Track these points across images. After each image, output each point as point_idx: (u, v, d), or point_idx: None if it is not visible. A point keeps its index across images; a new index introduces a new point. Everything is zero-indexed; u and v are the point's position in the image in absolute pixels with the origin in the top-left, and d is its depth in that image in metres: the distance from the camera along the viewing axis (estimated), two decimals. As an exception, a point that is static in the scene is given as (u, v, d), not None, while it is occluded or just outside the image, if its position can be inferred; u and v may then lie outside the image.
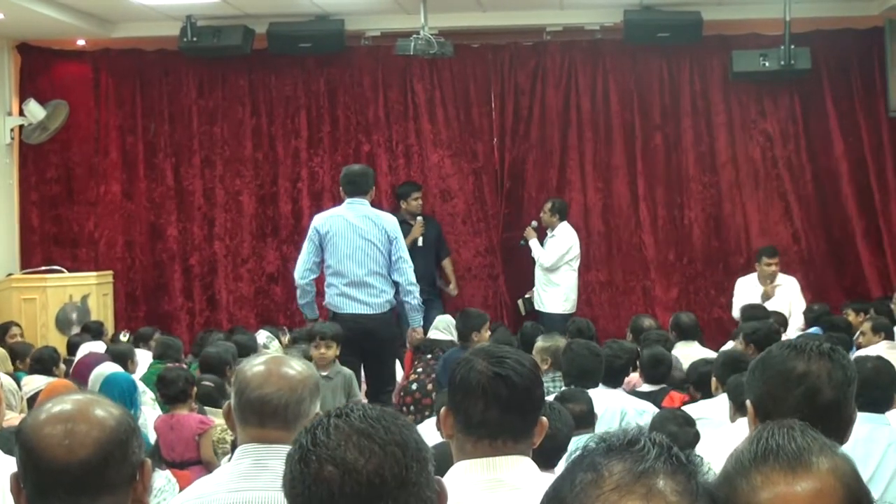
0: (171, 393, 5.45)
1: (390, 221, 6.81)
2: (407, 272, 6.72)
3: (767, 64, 9.43)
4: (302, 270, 6.82)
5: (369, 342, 6.63)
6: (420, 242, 9.40)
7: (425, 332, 7.41)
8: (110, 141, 10.43)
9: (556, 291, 9.25)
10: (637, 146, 10.06)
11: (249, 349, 7.06)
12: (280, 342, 8.31)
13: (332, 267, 6.69)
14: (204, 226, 10.39)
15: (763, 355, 2.47)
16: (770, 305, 8.57)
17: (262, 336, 8.08)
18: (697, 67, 10.01)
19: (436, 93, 10.21)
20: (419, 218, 9.43)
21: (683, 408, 5.09)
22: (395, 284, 6.75)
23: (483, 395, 2.31)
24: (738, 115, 9.95)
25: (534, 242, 9.40)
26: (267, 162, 10.38)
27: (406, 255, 6.78)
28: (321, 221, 6.77)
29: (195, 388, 5.52)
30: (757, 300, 8.69)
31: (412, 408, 6.85)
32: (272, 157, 10.39)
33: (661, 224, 10.05)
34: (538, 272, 9.35)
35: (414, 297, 6.80)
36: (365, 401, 6.24)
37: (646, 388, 5.78)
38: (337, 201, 10.16)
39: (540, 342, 6.10)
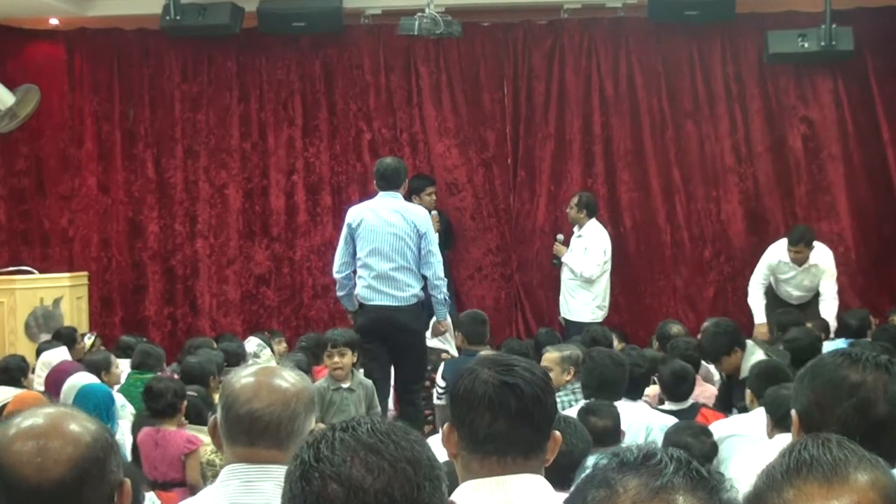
0: (158, 406, 5.45)
1: (421, 216, 7.21)
2: (435, 266, 7.14)
3: (806, 45, 9.43)
4: (339, 264, 7.32)
5: (395, 333, 7.02)
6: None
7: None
8: (85, 129, 10.47)
9: (586, 297, 9.16)
10: (667, 134, 10.06)
11: (238, 358, 7.09)
12: (273, 350, 8.33)
13: (362, 259, 7.15)
14: (186, 222, 10.43)
15: (814, 363, 2.48)
16: (797, 280, 8.68)
17: (252, 344, 8.10)
18: (730, 49, 10.02)
19: (442, 76, 10.23)
20: (434, 213, 9.39)
21: (715, 423, 5.10)
22: (424, 279, 7.14)
23: (490, 406, 2.30)
24: (775, 101, 9.95)
25: (567, 257, 9.23)
26: (256, 152, 10.42)
27: (435, 249, 7.19)
28: (352, 215, 7.26)
29: (184, 403, 5.53)
30: (784, 268, 8.73)
31: None
32: (262, 147, 10.42)
33: (695, 219, 10.06)
34: (566, 274, 9.30)
35: (441, 291, 7.22)
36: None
37: (670, 406, 5.77)
38: (336, 195, 10.32)
39: (553, 352, 6.09)
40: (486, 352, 7.13)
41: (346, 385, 6.13)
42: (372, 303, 7.11)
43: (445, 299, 7.34)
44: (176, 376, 6.05)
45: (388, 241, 7.07)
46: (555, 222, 10.07)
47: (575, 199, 9.30)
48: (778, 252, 8.79)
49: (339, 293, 7.46)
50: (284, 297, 10.37)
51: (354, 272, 7.22)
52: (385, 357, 7.00)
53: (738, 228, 10.01)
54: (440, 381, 6.77)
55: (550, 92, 10.17)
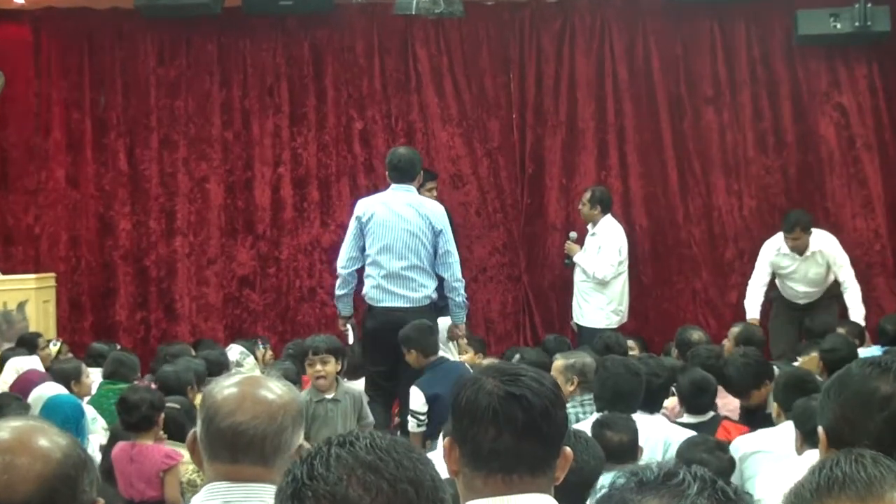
0: (132, 419, 5.46)
1: (437, 211, 7.29)
2: (453, 267, 7.23)
3: (839, 25, 9.44)
4: (345, 259, 7.35)
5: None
6: None
7: None
8: (53, 117, 10.47)
9: (600, 301, 9.15)
10: (685, 123, 10.08)
11: (219, 367, 7.09)
12: (257, 359, 8.33)
13: (371, 257, 7.23)
14: (162, 219, 10.43)
15: (840, 374, 2.48)
16: (801, 271, 8.77)
17: (235, 352, 8.11)
18: (755, 29, 10.03)
19: (443, 59, 10.24)
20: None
21: (739, 439, 5.11)
22: (439, 280, 7.22)
23: (494, 419, 2.30)
24: (805, 86, 9.96)
25: (579, 257, 9.23)
26: (239, 143, 10.43)
27: (453, 248, 7.28)
28: (362, 208, 7.32)
29: (162, 415, 5.54)
30: (785, 260, 8.79)
31: None
32: (246, 136, 10.43)
33: (717, 215, 10.07)
34: (578, 276, 9.31)
35: (459, 293, 7.31)
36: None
37: (689, 419, 5.78)
38: (324, 189, 10.32)
39: (560, 360, 6.10)
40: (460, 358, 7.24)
41: (330, 396, 6.11)
42: (381, 304, 7.19)
43: (465, 302, 7.44)
44: (154, 386, 6.05)
45: (400, 238, 7.15)
46: (567, 218, 10.09)
47: (587, 195, 9.28)
48: (775, 244, 8.87)
49: (339, 292, 7.45)
50: (270, 300, 10.38)
51: (360, 270, 7.29)
52: (393, 365, 6.95)
53: (764, 226, 10.00)
54: (418, 405, 6.49)
55: (560, 77, 10.18)
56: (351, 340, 7.71)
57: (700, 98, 10.08)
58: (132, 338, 10.30)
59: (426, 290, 7.18)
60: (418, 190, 9.29)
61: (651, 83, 10.11)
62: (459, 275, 7.31)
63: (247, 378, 2.61)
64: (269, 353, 9.02)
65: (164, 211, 10.44)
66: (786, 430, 4.59)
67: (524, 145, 10.23)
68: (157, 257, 10.41)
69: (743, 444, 4.89)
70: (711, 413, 5.83)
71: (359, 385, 7.43)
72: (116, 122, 10.46)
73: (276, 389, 2.55)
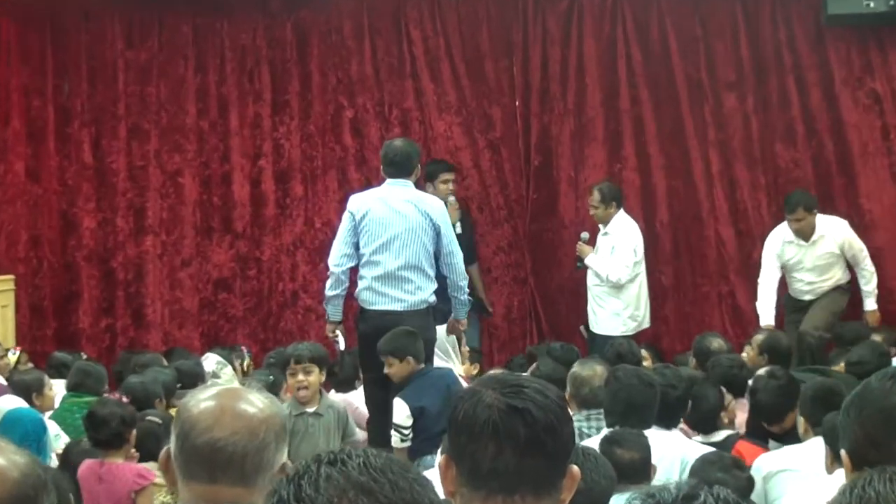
0: (102, 436, 5.45)
1: (436, 207, 7.41)
2: (457, 266, 7.39)
3: (872, 4, 9.45)
4: (338, 256, 7.42)
5: None
6: (458, 229, 9.37)
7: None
8: (12, 105, 10.46)
9: (615, 306, 9.18)
10: (706, 110, 10.08)
11: (194, 378, 7.09)
12: (235, 369, 8.34)
13: (366, 256, 7.33)
14: (130, 217, 10.42)
15: (859, 390, 2.47)
16: (809, 258, 8.96)
17: (211, 362, 8.12)
18: (781, 9, 10.02)
19: (439, 41, 10.25)
20: (451, 198, 9.38)
21: (764, 457, 5.12)
22: (438, 281, 7.35)
23: (494, 435, 2.29)
24: (836, 71, 9.95)
25: (591, 259, 9.25)
26: (216, 133, 10.44)
27: (456, 247, 7.44)
28: (356, 204, 7.44)
29: (133, 431, 5.53)
30: (790, 249, 8.94)
31: None
32: (223, 126, 10.44)
33: (743, 212, 10.06)
34: (591, 279, 9.32)
35: (464, 292, 7.48)
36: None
37: (701, 439, 5.78)
38: (309, 183, 10.32)
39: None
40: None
41: (311, 409, 6.11)
42: (374, 307, 7.27)
43: (468, 300, 7.60)
44: (125, 399, 6.05)
45: (398, 237, 7.25)
46: (576, 214, 10.11)
47: (596, 196, 9.29)
48: (779, 234, 9.15)
49: (331, 292, 7.48)
50: (250, 304, 10.38)
51: (353, 270, 7.39)
52: (381, 376, 6.93)
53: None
54: (401, 419, 6.52)
55: (567, 60, 10.19)
56: (342, 347, 7.76)
57: (722, 83, 10.07)
58: (97, 346, 10.30)
59: (423, 292, 7.25)
60: (433, 182, 9.37)
61: (669, 67, 10.11)
62: (464, 272, 7.47)
63: (225, 390, 2.61)
64: (249, 362, 9.01)
65: (133, 207, 10.44)
66: (813, 448, 4.60)
67: (529, 136, 10.23)
68: (124, 258, 10.41)
69: (767, 463, 4.90)
70: (725, 432, 5.82)
71: (353, 398, 7.44)
72: (81, 111, 10.47)
73: (257, 402, 2.54)
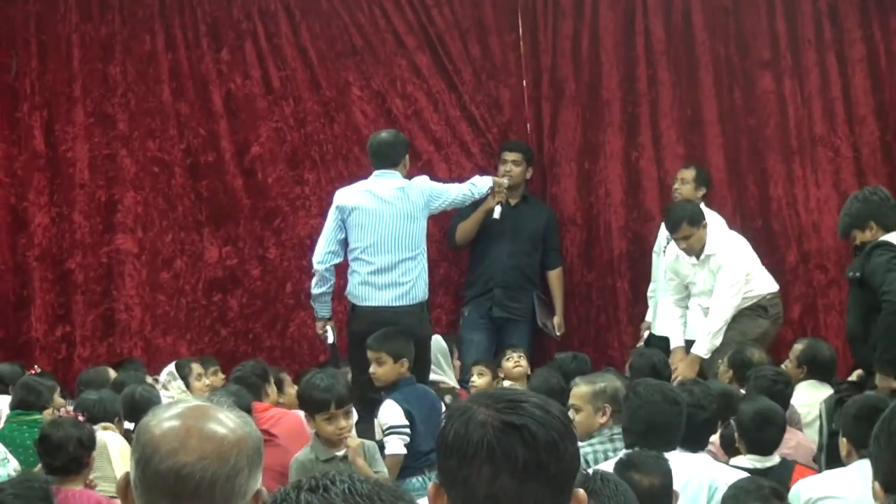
0: (58, 462, 5.43)
1: (418, 185, 8.09)
2: (458, 189, 8.42)
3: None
4: (323, 253, 8.08)
5: None
6: (496, 214, 9.44)
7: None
8: (-48, 86, 10.47)
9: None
10: (735, 93, 10.06)
11: (148, 399, 7.01)
12: (188, 385, 8.22)
13: (357, 251, 7.96)
14: (92, 211, 10.38)
15: (888, 415, 2.47)
16: (701, 282, 8.61)
17: (164, 373, 8.13)
18: (822, -25, 10.02)
19: (436, 14, 10.23)
20: (504, 180, 9.40)
21: (802, 482, 5.10)
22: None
23: (489, 457, 2.28)
24: (882, 46, 9.94)
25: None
26: (197, 116, 10.42)
27: (447, 194, 8.28)
28: (343, 198, 8.06)
29: (92, 454, 5.51)
30: (684, 266, 8.68)
31: None
32: (206, 107, 10.41)
33: (775, 209, 10.03)
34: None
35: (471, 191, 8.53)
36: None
37: (750, 460, 5.75)
38: (312, 170, 10.27)
39: (584, 384, 6.08)
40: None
41: (341, 453, 5.95)
42: (366, 303, 7.88)
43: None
44: (81, 417, 6.01)
45: (392, 229, 7.90)
46: (588, 210, 10.12)
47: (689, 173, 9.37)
48: (674, 248, 8.82)
49: (316, 290, 8.19)
50: (255, 308, 10.35)
51: (340, 267, 7.86)
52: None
53: (834, 221, 9.96)
54: (397, 419, 6.61)
55: (580, 36, 10.17)
56: (331, 340, 8.30)
57: (753, 61, 10.04)
58: (51, 357, 10.30)
59: (417, 289, 7.88)
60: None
61: (692, 44, 10.08)
62: (464, 187, 8.47)
63: (191, 408, 2.58)
64: (219, 376, 8.92)
65: (95, 201, 10.40)
66: (859, 472, 4.58)
67: (540, 119, 10.25)
68: (83, 259, 10.37)
69: (808, 488, 4.89)
70: (778, 456, 5.79)
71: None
72: (31, 92, 10.46)
73: (227, 422, 2.53)
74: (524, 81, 10.28)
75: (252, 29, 10.38)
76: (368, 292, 7.90)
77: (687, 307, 8.84)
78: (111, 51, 10.41)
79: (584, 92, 10.19)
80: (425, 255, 8.15)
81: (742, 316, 8.59)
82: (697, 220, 8.52)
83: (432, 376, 7.92)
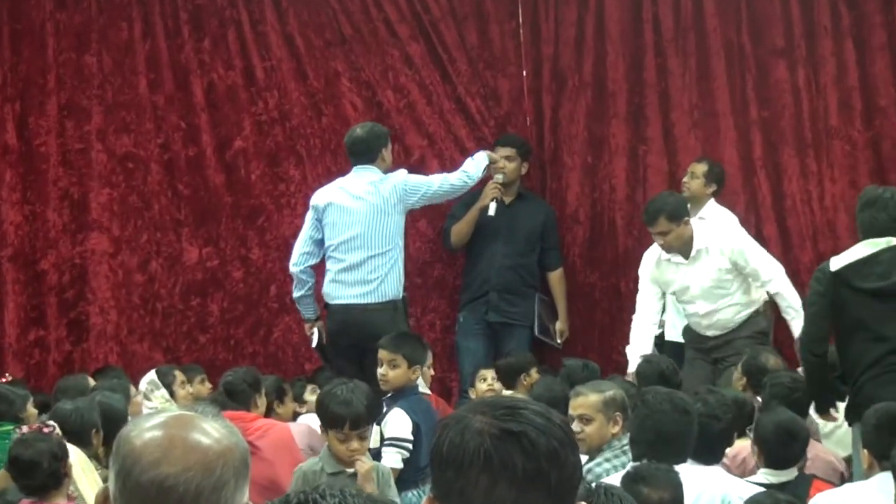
0: (36, 482, 5.41)
1: (392, 180, 8.48)
2: (441, 191, 8.75)
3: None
4: (297, 255, 8.60)
5: (363, 341, 7.83)
6: (491, 211, 9.47)
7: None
8: (-81, 77, 10.47)
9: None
10: (748, 83, 10.06)
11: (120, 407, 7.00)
12: (172, 394, 8.23)
13: (330, 249, 8.44)
14: (66, 209, 10.37)
15: None
16: (694, 283, 8.47)
17: (143, 383, 8.12)
18: (840, -42, 10.03)
19: (431, 1, 10.24)
20: (498, 177, 9.51)
21: (820, 496, 5.10)
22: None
23: (486, 466, 2.28)
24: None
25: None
26: (176, 109, 10.40)
27: (427, 186, 8.64)
28: (318, 197, 8.55)
29: (69, 462, 5.50)
30: (669, 271, 8.56)
31: None
32: (186, 100, 10.41)
33: (790, 205, 10.02)
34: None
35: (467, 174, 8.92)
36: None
37: (766, 475, 5.75)
38: (298, 166, 10.27)
39: (590, 394, 6.06)
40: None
41: (351, 469, 5.89)
42: (336, 301, 8.37)
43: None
44: (45, 429, 5.97)
45: (363, 225, 8.32)
46: (591, 207, 10.11)
47: (701, 167, 9.38)
48: (655, 251, 8.67)
49: (296, 293, 8.71)
50: (236, 312, 10.34)
51: (314, 267, 8.24)
52: (357, 372, 7.35)
53: (850, 220, 9.95)
54: (404, 431, 6.61)
55: (584, 23, 10.17)
56: (314, 343, 8.63)
57: (767, 49, 10.04)
58: (23, 363, 10.30)
59: (387, 286, 8.32)
60: None
61: (703, 31, 10.08)
62: (453, 176, 8.85)
63: (174, 417, 2.59)
64: (206, 385, 8.93)
65: (69, 198, 10.39)
66: (880, 485, 4.59)
67: (540, 113, 10.23)
68: (57, 259, 10.36)
69: (825, 503, 4.89)
70: (796, 470, 5.79)
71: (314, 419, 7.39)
72: (3, 83, 10.46)
73: (212, 432, 2.53)
74: (524, 71, 10.28)
75: (236, 16, 10.37)
76: (338, 290, 8.38)
77: (656, 324, 8.79)
78: (86, 40, 10.41)
79: (588, 82, 10.18)
80: (400, 252, 8.53)
81: (749, 341, 8.46)
82: (678, 216, 8.34)
83: None
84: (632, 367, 8.42)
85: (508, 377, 8.45)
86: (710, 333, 8.63)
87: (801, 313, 8.01)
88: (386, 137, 8.80)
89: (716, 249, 8.44)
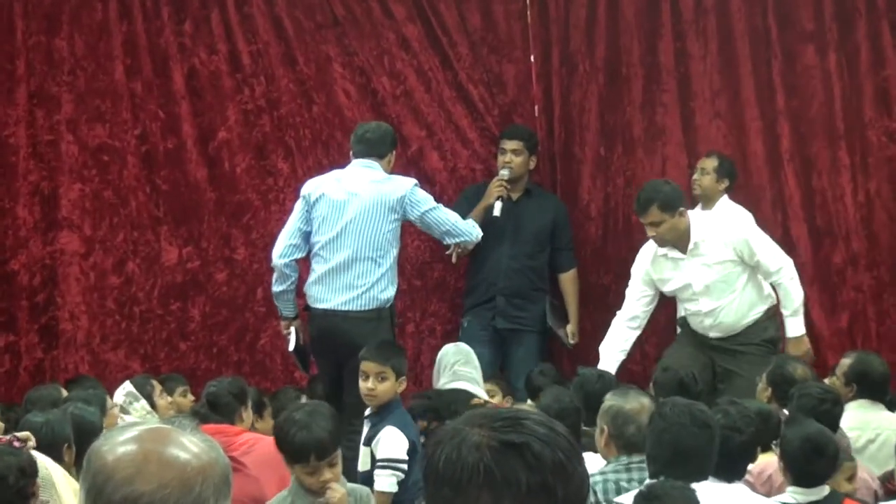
0: (1, 500, 5.42)
1: (399, 186, 8.30)
2: (442, 220, 8.43)
3: None
4: (282, 247, 8.44)
5: (343, 350, 7.84)
6: (497, 211, 9.48)
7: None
8: None
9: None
10: (774, 70, 10.07)
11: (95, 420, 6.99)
12: (153, 405, 8.23)
13: (317, 247, 8.34)
14: (36, 205, 10.38)
15: None
16: (695, 279, 8.46)
17: (120, 394, 8.11)
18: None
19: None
20: (503, 172, 9.59)
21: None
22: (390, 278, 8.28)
23: (487, 482, 2.27)
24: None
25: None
26: (154, 97, 10.40)
27: (441, 216, 8.45)
28: (310, 186, 8.45)
29: (37, 481, 5.50)
30: (666, 268, 8.53)
31: None
32: (165, 87, 10.40)
33: (820, 202, 10.04)
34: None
35: (456, 235, 8.63)
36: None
37: (794, 493, 5.75)
38: (287, 158, 10.28)
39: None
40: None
41: (324, 499, 5.88)
42: (317, 305, 8.30)
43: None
44: (16, 443, 5.99)
45: (353, 221, 8.18)
46: (604, 202, 10.14)
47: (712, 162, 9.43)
48: (651, 246, 8.66)
49: (276, 288, 8.59)
50: (219, 318, 10.33)
51: (299, 262, 8.23)
52: (335, 381, 7.68)
53: (890, 218, 9.98)
54: (400, 451, 6.61)
55: (596, 3, 10.19)
56: (291, 347, 8.55)
57: (795, 35, 10.06)
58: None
59: (374, 290, 8.20)
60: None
61: (726, 14, 10.10)
62: (463, 224, 8.60)
63: (149, 431, 2.59)
64: (188, 397, 8.93)
65: (40, 194, 10.39)
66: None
67: (550, 101, 10.26)
68: (28, 259, 10.36)
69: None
70: (828, 489, 5.78)
71: None
72: (-35, 71, 10.46)
73: (190, 447, 2.54)
74: (531, 56, 10.30)
75: (219, -3, 10.38)
76: (321, 292, 8.28)
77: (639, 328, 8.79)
78: (57, 22, 10.38)
79: (600, 68, 10.21)
80: (393, 262, 8.41)
81: (759, 349, 8.47)
82: (671, 206, 8.30)
83: (469, 387, 7.71)
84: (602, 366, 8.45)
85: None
86: (712, 335, 8.62)
87: (801, 312, 8.25)
88: (396, 142, 8.79)
89: (719, 241, 8.43)
